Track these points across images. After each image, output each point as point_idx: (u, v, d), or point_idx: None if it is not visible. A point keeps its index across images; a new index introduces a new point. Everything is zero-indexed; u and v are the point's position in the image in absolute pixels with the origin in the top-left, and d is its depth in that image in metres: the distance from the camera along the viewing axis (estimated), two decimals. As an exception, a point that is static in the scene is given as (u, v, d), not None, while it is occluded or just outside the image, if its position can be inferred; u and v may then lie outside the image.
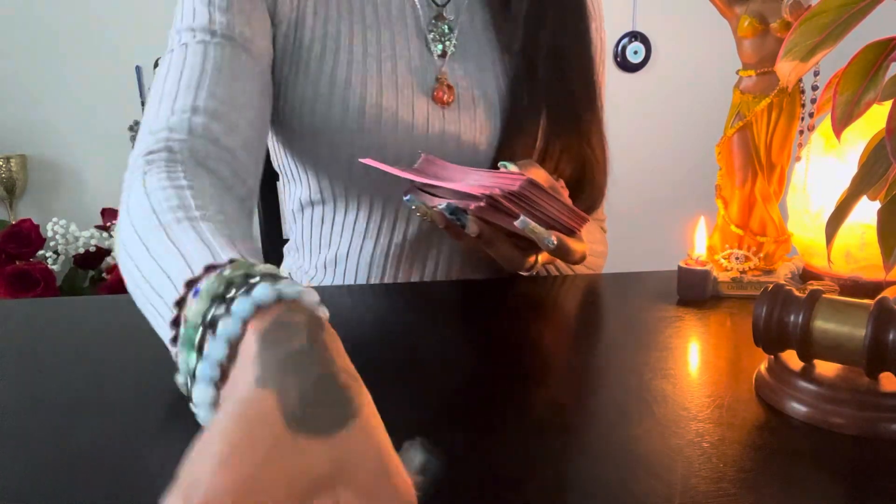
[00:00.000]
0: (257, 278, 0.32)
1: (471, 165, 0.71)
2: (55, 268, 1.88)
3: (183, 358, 0.31)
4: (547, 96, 0.72)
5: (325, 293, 0.70)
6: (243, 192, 0.60)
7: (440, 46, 0.72)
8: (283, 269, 0.91)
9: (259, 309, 0.30)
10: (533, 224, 0.57)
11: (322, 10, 0.69)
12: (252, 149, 0.62)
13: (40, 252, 1.90)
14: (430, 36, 0.72)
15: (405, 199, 0.60)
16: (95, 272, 1.94)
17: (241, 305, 0.30)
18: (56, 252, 1.90)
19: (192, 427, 0.42)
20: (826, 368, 0.43)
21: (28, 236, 1.86)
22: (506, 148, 0.72)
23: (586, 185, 0.76)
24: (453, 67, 0.72)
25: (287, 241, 0.93)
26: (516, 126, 0.72)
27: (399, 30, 0.71)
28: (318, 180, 0.77)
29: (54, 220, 1.91)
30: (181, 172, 0.52)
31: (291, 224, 0.88)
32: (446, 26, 0.72)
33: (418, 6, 0.72)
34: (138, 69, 2.04)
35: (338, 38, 0.69)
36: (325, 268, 0.83)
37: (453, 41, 0.72)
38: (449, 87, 0.71)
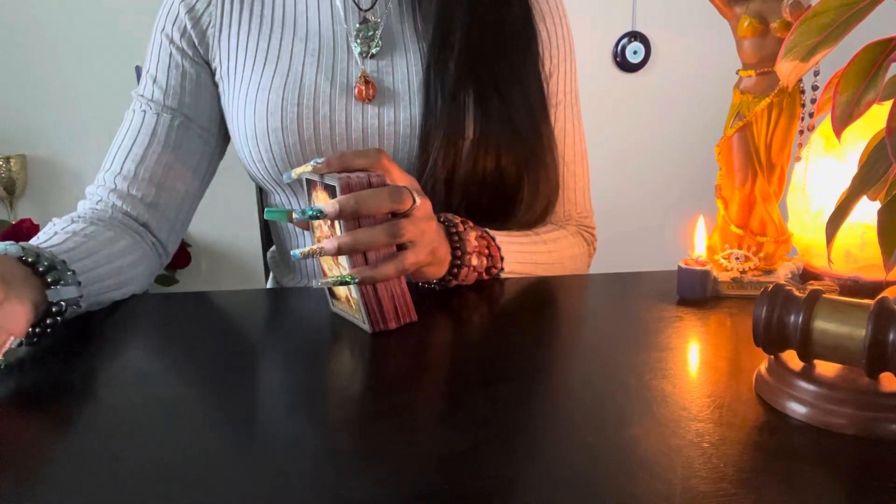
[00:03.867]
0: None
1: (398, 158, 0.75)
2: (55, 268, 1.88)
3: None
4: (472, 87, 0.72)
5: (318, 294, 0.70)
6: (154, 240, 0.78)
7: (365, 47, 0.75)
8: (270, 282, 0.94)
9: None
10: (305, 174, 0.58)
11: (255, 29, 0.76)
12: (158, 208, 0.78)
13: (40, 252, 1.89)
14: (356, 40, 0.76)
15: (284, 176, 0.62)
16: (95, 272, 1.94)
17: None
18: (56, 252, 1.90)
19: (192, 426, 0.42)
20: (826, 368, 0.43)
21: (28, 236, 1.86)
22: (428, 139, 0.72)
23: (525, 186, 0.75)
24: (378, 65, 0.76)
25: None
26: (434, 117, 0.72)
27: (327, 38, 0.76)
28: (267, 183, 0.80)
29: (54, 220, 1.91)
30: (80, 220, 0.73)
31: (273, 232, 0.91)
32: (371, 30, 0.76)
33: (343, 14, 0.76)
34: (138, 69, 2.04)
35: (266, 52, 0.76)
36: (303, 270, 0.84)
37: (377, 41, 0.76)
38: (368, 82, 0.74)
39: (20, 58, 2.00)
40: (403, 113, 0.74)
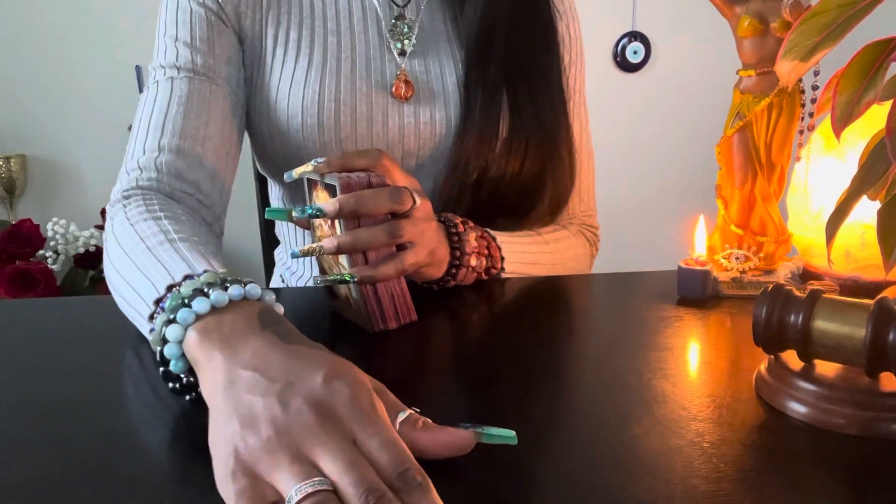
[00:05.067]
0: (220, 284, 0.42)
1: (432, 156, 0.75)
2: (55, 268, 1.88)
3: (158, 326, 0.42)
4: (506, 88, 0.74)
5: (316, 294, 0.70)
6: (210, 218, 0.68)
7: (400, 45, 0.75)
8: (276, 274, 0.94)
9: (213, 308, 0.41)
10: (301, 171, 0.57)
11: (284, 18, 0.74)
12: (216, 178, 0.69)
13: (40, 252, 1.89)
14: (391, 36, 0.75)
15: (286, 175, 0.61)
16: (95, 272, 1.94)
17: (201, 304, 0.41)
18: (56, 252, 1.90)
19: (191, 427, 0.42)
20: (826, 368, 0.43)
21: (28, 236, 1.86)
22: (464, 138, 0.73)
23: (548, 183, 0.77)
24: (413, 64, 0.75)
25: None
26: (472, 118, 0.73)
27: (360, 32, 0.75)
28: (289, 185, 0.78)
29: (54, 219, 1.91)
30: (156, 204, 0.60)
31: (279, 227, 0.91)
32: (406, 26, 0.75)
33: (379, 9, 0.75)
34: (138, 69, 2.04)
35: (298, 42, 0.73)
36: (312, 267, 0.85)
37: (412, 39, 0.75)
38: (407, 82, 0.74)
39: (20, 58, 2.00)
40: (439, 112, 0.75)
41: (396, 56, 0.75)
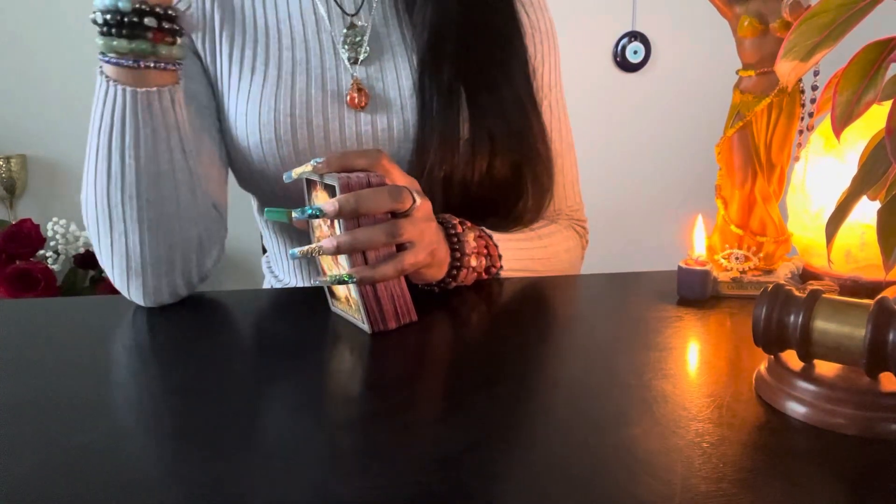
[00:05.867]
0: None
1: (391, 162, 0.72)
2: (55, 268, 1.88)
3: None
4: (464, 88, 0.73)
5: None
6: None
7: (353, 54, 0.75)
8: (265, 284, 0.93)
9: None
10: (299, 172, 0.58)
11: (238, 37, 0.74)
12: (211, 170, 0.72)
13: (40, 252, 1.89)
14: (343, 45, 0.75)
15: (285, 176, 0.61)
16: (95, 272, 1.94)
17: None
18: (56, 252, 1.90)
19: (191, 427, 0.42)
20: (826, 368, 0.43)
21: (28, 236, 1.86)
22: (424, 143, 0.73)
23: (527, 181, 0.76)
24: (367, 72, 0.75)
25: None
26: (430, 122, 0.72)
27: (313, 45, 0.75)
28: (263, 193, 0.80)
29: (54, 219, 1.91)
30: None
31: (266, 237, 0.91)
32: (358, 35, 0.75)
33: (328, 21, 0.75)
34: (138, 69, 2.04)
35: (253, 60, 0.74)
36: (298, 276, 0.85)
37: (364, 47, 0.75)
38: (360, 90, 0.73)
39: (20, 58, 2.00)
40: (396, 118, 0.74)
41: (350, 66, 0.74)
